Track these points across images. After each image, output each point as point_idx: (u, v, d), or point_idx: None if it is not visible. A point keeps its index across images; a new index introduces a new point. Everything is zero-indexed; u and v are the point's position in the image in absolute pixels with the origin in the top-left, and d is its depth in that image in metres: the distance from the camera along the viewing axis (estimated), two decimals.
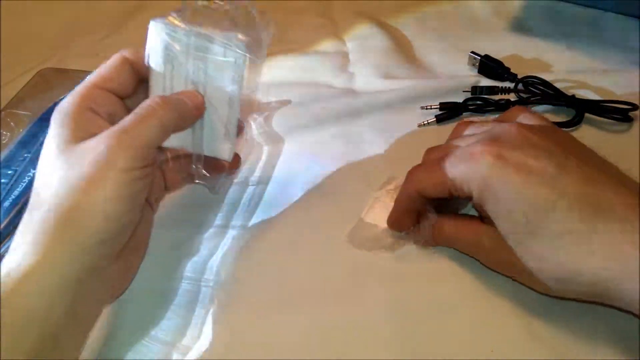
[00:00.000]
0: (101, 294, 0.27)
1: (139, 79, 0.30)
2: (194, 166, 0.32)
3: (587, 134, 0.40)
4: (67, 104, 0.27)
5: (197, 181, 0.34)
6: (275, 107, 0.45)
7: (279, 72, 0.49)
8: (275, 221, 0.36)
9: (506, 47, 0.48)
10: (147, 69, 0.30)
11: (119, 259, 0.28)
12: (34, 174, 0.34)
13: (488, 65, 0.45)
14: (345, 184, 0.38)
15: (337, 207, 0.37)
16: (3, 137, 0.37)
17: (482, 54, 0.45)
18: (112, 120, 0.28)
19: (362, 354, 0.29)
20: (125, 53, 0.29)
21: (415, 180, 0.31)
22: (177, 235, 0.36)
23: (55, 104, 0.38)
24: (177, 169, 0.33)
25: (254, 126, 0.44)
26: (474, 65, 0.46)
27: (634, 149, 0.38)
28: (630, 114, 0.40)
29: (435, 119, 0.42)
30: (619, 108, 0.40)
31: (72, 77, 0.41)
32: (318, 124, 0.43)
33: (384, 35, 0.51)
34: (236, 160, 0.34)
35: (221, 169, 0.34)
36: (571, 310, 0.29)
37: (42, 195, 0.25)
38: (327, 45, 0.52)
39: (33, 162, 0.35)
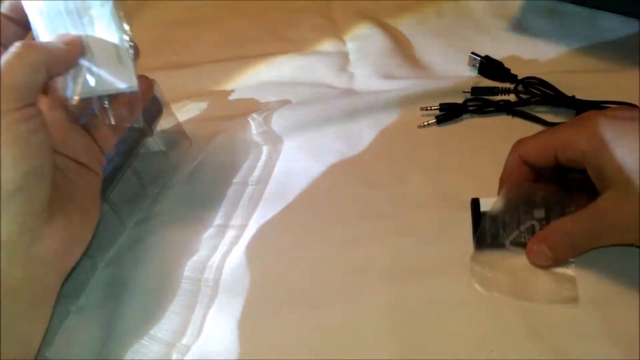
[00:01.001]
0: (45, 259, 0.27)
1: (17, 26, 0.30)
2: (101, 107, 0.31)
3: None
4: None
5: (126, 125, 0.33)
6: (275, 107, 0.45)
7: (279, 72, 0.49)
8: (275, 221, 0.36)
9: (506, 47, 0.48)
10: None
11: (56, 216, 0.27)
12: None
13: (488, 66, 0.45)
14: (345, 184, 0.38)
15: (337, 207, 0.37)
16: None
17: (482, 54, 0.45)
18: None
19: (362, 353, 0.29)
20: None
21: (520, 145, 0.31)
22: (177, 235, 0.36)
23: None
24: (106, 130, 0.32)
25: (254, 126, 0.44)
26: (474, 65, 0.46)
27: None
28: None
29: (435, 119, 0.42)
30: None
31: None
32: (318, 124, 0.43)
33: (384, 35, 0.51)
34: (147, 86, 0.33)
35: (134, 101, 0.32)
36: (571, 310, 0.29)
37: None
38: (327, 45, 0.52)
39: None
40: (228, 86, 0.49)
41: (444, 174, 0.38)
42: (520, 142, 0.31)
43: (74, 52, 0.29)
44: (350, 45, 0.52)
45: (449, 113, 0.42)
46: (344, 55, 0.51)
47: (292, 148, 0.41)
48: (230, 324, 0.31)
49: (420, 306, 0.31)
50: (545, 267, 0.30)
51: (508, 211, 0.32)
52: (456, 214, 0.35)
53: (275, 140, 0.42)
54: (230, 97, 0.47)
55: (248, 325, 0.31)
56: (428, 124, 0.42)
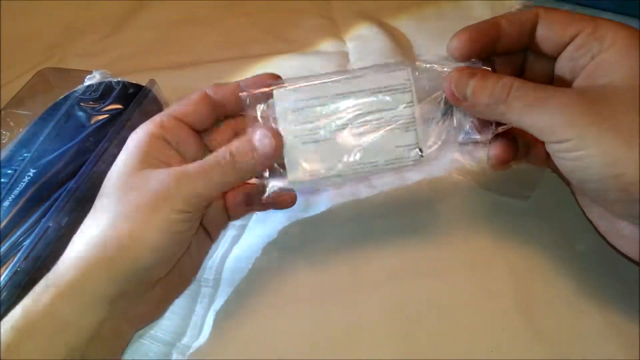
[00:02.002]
0: (133, 319, 0.28)
1: (216, 116, 0.30)
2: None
3: None
4: (143, 129, 0.28)
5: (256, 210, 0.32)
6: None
7: (279, 72, 0.49)
8: (275, 221, 0.36)
9: None
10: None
11: (156, 287, 0.28)
12: (34, 173, 0.34)
13: (488, 66, 0.45)
14: (345, 184, 0.38)
15: (338, 207, 0.37)
16: (3, 137, 0.37)
17: None
18: (183, 151, 0.29)
19: (362, 353, 0.29)
20: (208, 90, 0.30)
21: (545, 10, 0.28)
22: None
23: (55, 103, 0.38)
24: (240, 202, 0.32)
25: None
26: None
27: None
28: None
29: None
30: None
31: (72, 77, 0.41)
32: None
33: (384, 35, 0.51)
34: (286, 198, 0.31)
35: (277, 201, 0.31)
36: (572, 310, 0.29)
37: (99, 211, 0.26)
38: (327, 45, 0.52)
39: (33, 161, 0.35)
40: None
41: None
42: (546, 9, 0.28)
43: (266, 165, 0.29)
44: (350, 45, 0.52)
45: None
46: (344, 55, 0.51)
47: None
48: (231, 324, 0.31)
49: (421, 306, 0.31)
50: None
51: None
52: (456, 213, 0.35)
53: None
54: None
55: (248, 325, 0.31)
56: None
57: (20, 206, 0.32)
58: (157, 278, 0.27)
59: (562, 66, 0.27)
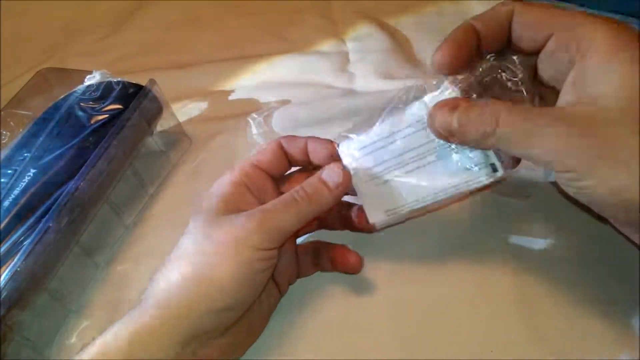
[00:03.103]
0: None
1: (289, 164, 0.32)
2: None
3: None
4: (225, 180, 0.30)
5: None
6: (275, 107, 0.45)
7: (279, 72, 0.49)
8: None
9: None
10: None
11: (228, 332, 0.28)
12: (34, 173, 0.34)
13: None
14: None
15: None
16: (3, 137, 0.37)
17: None
18: (261, 196, 0.30)
19: (362, 354, 0.29)
20: (282, 140, 0.31)
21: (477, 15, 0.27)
22: (177, 234, 0.36)
23: (55, 103, 0.38)
24: (309, 259, 0.33)
25: (254, 126, 0.44)
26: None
27: None
28: None
29: None
30: None
31: (72, 77, 0.41)
32: (318, 124, 0.43)
33: (384, 35, 0.51)
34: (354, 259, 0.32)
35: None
36: (572, 310, 0.29)
37: (179, 252, 0.27)
38: (327, 45, 0.52)
39: (33, 161, 0.35)
40: (228, 86, 0.49)
41: None
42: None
43: (338, 199, 0.29)
44: (350, 45, 0.52)
45: None
46: (344, 55, 0.51)
47: None
48: None
49: (421, 306, 0.31)
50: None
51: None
52: (456, 213, 0.35)
53: None
54: (230, 97, 0.47)
55: None
56: None
57: (20, 206, 0.32)
58: (230, 323, 0.27)
59: (543, 67, 0.26)
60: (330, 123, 0.43)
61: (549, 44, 0.25)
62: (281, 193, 0.30)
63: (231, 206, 0.28)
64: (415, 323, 0.30)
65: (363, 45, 0.51)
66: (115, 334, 0.25)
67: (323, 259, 0.32)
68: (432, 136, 0.28)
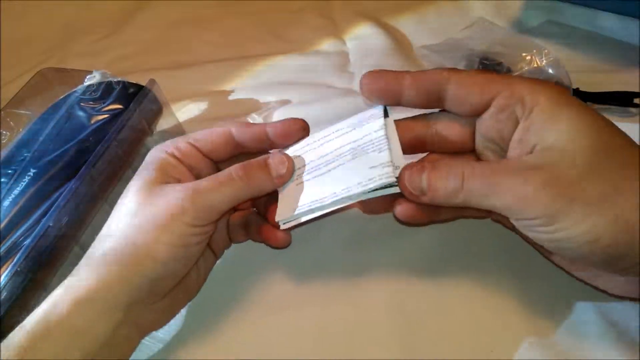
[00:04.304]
0: (142, 326, 0.29)
1: (234, 152, 0.31)
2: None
3: None
4: (160, 149, 0.30)
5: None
6: (275, 107, 0.45)
7: (279, 72, 0.49)
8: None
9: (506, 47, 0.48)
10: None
11: (165, 297, 0.29)
12: (34, 173, 0.34)
13: (488, 66, 0.45)
14: None
15: None
16: (3, 137, 0.37)
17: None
18: (196, 173, 0.30)
19: (362, 354, 0.29)
20: (233, 129, 0.31)
21: (455, 72, 0.27)
22: None
23: (55, 103, 0.38)
24: (240, 229, 0.34)
25: None
26: (473, 66, 0.46)
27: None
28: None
29: None
30: (622, 96, 0.41)
31: (72, 77, 0.41)
32: (318, 124, 0.43)
33: (384, 35, 0.51)
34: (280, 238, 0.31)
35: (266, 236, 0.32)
36: (571, 310, 0.29)
37: (113, 226, 0.27)
38: (327, 45, 0.52)
39: (33, 161, 0.35)
40: (228, 86, 0.49)
41: None
42: (455, 70, 0.27)
43: (278, 185, 0.30)
44: (350, 45, 0.52)
45: None
46: (344, 55, 0.51)
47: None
48: (231, 324, 0.31)
49: (421, 306, 0.31)
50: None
51: None
52: None
53: None
54: (230, 97, 0.47)
55: (248, 325, 0.31)
56: None
57: (20, 206, 0.32)
58: (167, 289, 0.28)
59: (485, 127, 0.27)
60: (330, 123, 0.43)
61: (492, 107, 0.26)
62: (219, 169, 0.30)
63: (165, 178, 0.28)
64: (415, 323, 0.30)
65: (363, 45, 0.51)
66: (55, 303, 0.25)
67: (252, 230, 0.33)
68: (348, 140, 0.29)
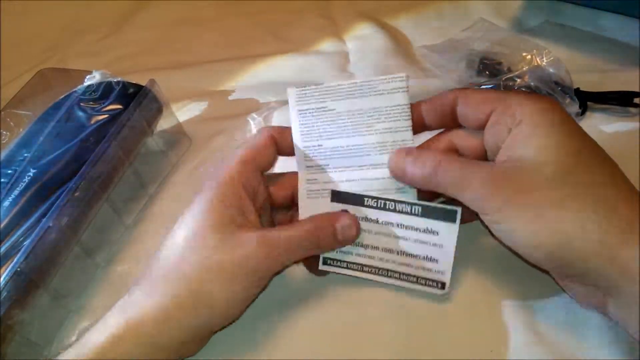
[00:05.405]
0: (182, 355, 0.29)
1: (277, 155, 0.32)
2: None
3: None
4: (224, 178, 0.29)
5: None
6: (275, 107, 0.45)
7: (279, 72, 0.49)
8: None
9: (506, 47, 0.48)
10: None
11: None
12: (34, 173, 0.34)
13: (488, 66, 0.45)
14: None
15: None
16: (3, 137, 0.37)
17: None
18: (254, 198, 0.30)
19: (362, 353, 0.29)
20: (272, 131, 0.31)
21: (462, 91, 0.30)
22: None
23: (55, 103, 0.38)
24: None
25: (254, 126, 0.44)
26: (472, 66, 0.46)
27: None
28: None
29: None
30: (622, 96, 0.41)
31: (72, 77, 0.41)
32: None
33: (384, 35, 0.51)
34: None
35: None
36: (572, 310, 0.29)
37: (172, 258, 0.27)
38: (327, 45, 0.52)
39: (33, 162, 0.35)
40: (228, 86, 0.49)
41: None
42: (463, 90, 0.30)
43: (338, 246, 0.31)
44: (350, 45, 0.52)
45: None
46: (344, 55, 0.51)
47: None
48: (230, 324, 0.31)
49: (420, 306, 0.31)
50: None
51: None
52: None
53: None
54: (230, 97, 0.47)
55: (248, 324, 0.31)
56: None
57: (20, 206, 0.32)
58: (218, 330, 0.29)
59: (487, 139, 0.29)
60: None
61: (491, 119, 0.29)
62: (269, 193, 0.31)
63: (230, 212, 0.28)
64: (415, 323, 0.30)
65: (363, 45, 0.51)
66: (114, 338, 0.25)
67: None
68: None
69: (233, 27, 0.56)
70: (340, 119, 0.31)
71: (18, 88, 0.41)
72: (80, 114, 0.38)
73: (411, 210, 0.30)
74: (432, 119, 0.31)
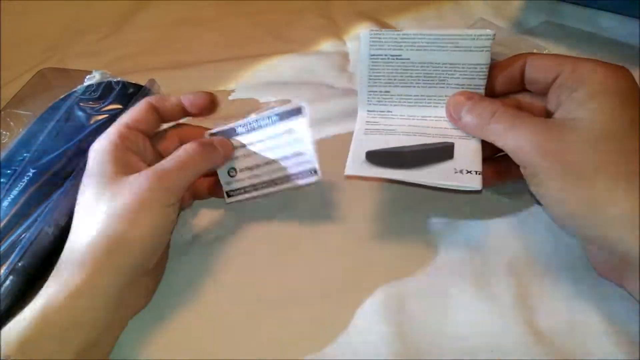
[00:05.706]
0: (131, 307, 0.31)
1: (158, 122, 0.33)
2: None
3: None
4: (105, 142, 0.30)
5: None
6: (275, 107, 0.45)
7: (279, 72, 0.49)
8: (275, 219, 0.36)
9: (506, 47, 0.48)
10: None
11: (146, 277, 0.31)
12: (34, 173, 0.34)
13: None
14: (345, 183, 0.38)
15: (338, 206, 0.37)
16: (3, 137, 0.37)
17: None
18: (142, 155, 0.31)
19: (362, 353, 0.29)
20: (151, 100, 0.33)
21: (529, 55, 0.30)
22: (176, 234, 0.36)
23: (55, 103, 0.39)
24: (203, 188, 0.37)
25: None
26: None
27: None
28: None
29: None
30: None
31: (72, 77, 0.41)
32: (317, 124, 0.43)
33: None
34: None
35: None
36: (572, 310, 0.29)
37: (84, 223, 0.28)
38: (327, 45, 0.52)
39: (32, 162, 0.35)
40: (228, 86, 0.49)
41: None
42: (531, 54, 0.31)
43: (223, 163, 0.34)
44: (350, 45, 0.52)
45: None
46: (344, 55, 0.51)
47: None
48: (230, 324, 0.31)
49: (420, 306, 0.31)
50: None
51: None
52: (456, 212, 0.35)
53: None
54: (230, 97, 0.47)
55: (248, 324, 0.31)
56: None
57: (20, 206, 0.32)
58: (152, 265, 0.30)
59: (550, 99, 0.30)
60: (330, 123, 0.43)
61: (557, 81, 0.29)
62: (158, 151, 0.33)
63: (122, 169, 0.29)
64: (415, 323, 0.30)
65: None
66: (49, 299, 0.26)
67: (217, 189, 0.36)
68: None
69: (233, 27, 0.56)
70: (414, 69, 0.32)
71: (18, 88, 0.41)
72: (80, 113, 0.38)
73: (270, 120, 0.33)
74: (500, 82, 0.31)
